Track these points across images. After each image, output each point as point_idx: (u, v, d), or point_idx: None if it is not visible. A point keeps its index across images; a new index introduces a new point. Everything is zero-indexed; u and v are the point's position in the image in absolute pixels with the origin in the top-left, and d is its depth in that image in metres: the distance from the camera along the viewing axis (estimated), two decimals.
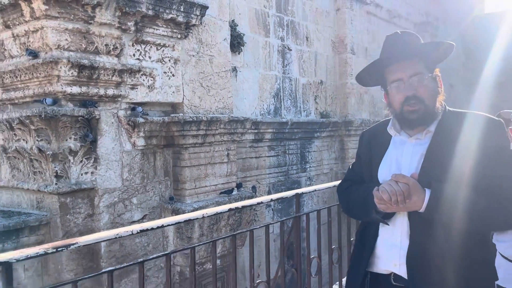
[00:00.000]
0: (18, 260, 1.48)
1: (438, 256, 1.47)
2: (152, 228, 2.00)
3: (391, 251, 1.57)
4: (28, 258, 1.51)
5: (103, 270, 1.85)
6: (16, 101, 4.04)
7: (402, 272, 1.53)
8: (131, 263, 2.02)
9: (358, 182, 1.76)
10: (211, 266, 4.87)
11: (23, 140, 3.94)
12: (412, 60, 1.57)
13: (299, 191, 2.81)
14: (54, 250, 1.63)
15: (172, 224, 2.11)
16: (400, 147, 1.64)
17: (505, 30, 13.50)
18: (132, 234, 1.88)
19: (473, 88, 13.72)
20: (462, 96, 13.58)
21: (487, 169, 1.46)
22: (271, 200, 2.72)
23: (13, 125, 3.92)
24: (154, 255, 2.09)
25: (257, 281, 2.47)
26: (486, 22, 14.59)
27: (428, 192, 1.46)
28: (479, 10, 16.00)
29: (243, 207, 2.56)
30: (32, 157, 3.88)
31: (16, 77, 3.83)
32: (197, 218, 2.25)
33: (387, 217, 1.57)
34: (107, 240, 1.87)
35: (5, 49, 3.93)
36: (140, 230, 1.93)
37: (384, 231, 1.61)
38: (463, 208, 1.44)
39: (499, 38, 13.15)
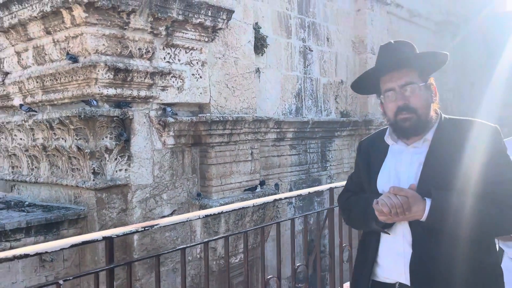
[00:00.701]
0: (118, 236, 1.82)
1: (441, 263, 1.48)
2: (219, 213, 2.27)
3: (395, 261, 1.58)
4: (125, 234, 1.84)
5: (174, 248, 2.07)
6: (55, 102, 4.30)
7: (408, 280, 1.54)
8: (196, 243, 2.21)
9: (357, 192, 1.78)
10: (237, 260, 5.07)
11: (62, 139, 4.20)
12: (405, 70, 1.59)
13: (332, 185, 3.09)
14: (143, 228, 1.95)
15: (234, 210, 2.38)
16: (398, 156, 1.64)
17: None
18: (199, 218, 2.13)
19: (494, 86, 13.59)
20: (482, 93, 13.46)
21: (485, 175, 1.48)
22: (309, 193, 2.95)
23: (53, 125, 4.18)
24: (194, 243, 2.28)
25: (297, 264, 2.68)
26: (507, 20, 14.43)
27: (428, 202, 1.47)
28: (500, 7, 15.82)
29: (285, 198, 2.83)
30: (70, 155, 4.14)
31: (56, 79, 4.09)
32: (249, 206, 2.52)
33: (388, 226, 1.58)
34: (180, 222, 2.17)
35: (45, 54, 4.19)
36: (206, 216, 2.18)
37: (385, 240, 1.61)
38: (463, 215, 1.45)
39: None
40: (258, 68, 5.72)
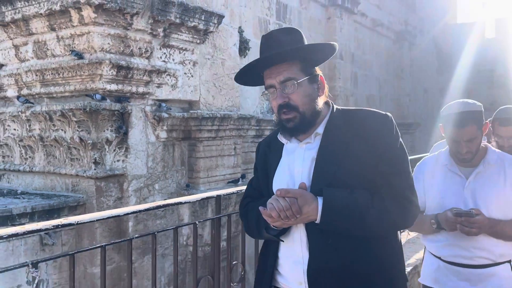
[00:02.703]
0: (224, 195, 2.32)
1: (339, 267, 1.39)
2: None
3: (294, 269, 1.47)
4: (228, 194, 2.33)
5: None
6: (54, 95, 4.51)
7: None
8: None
9: (257, 197, 1.65)
10: (220, 247, 5.47)
11: (62, 130, 4.43)
12: (285, 64, 1.46)
13: None
14: (237, 191, 2.45)
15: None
16: (291, 155, 1.54)
17: (473, 41, 14.61)
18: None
19: (446, 93, 14.76)
20: (435, 100, 14.58)
21: (380, 166, 1.41)
22: None
23: (53, 117, 4.40)
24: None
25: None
26: (458, 31, 15.68)
27: (320, 201, 1.37)
28: (452, 20, 17.12)
29: None
30: (70, 145, 4.38)
31: (59, 74, 4.31)
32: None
33: (281, 233, 1.48)
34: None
35: (47, 49, 4.40)
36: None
37: (284, 247, 1.51)
38: (359, 213, 1.36)
39: (467, 47, 14.21)
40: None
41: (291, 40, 1.48)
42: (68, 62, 4.19)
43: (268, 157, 1.62)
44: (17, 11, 4.34)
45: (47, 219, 4.20)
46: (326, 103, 1.55)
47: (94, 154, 4.24)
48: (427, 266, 2.21)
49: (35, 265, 1.62)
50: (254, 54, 6.45)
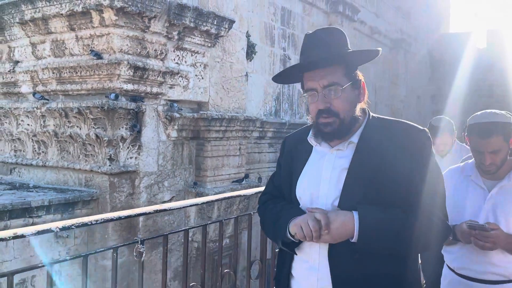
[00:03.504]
0: (261, 191, 2.37)
1: (362, 276, 1.37)
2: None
3: (308, 275, 1.45)
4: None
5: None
6: (70, 93, 4.65)
7: None
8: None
9: (276, 196, 1.62)
10: (222, 244, 5.65)
11: (77, 126, 4.57)
12: (329, 68, 1.40)
13: None
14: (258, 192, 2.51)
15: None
16: (320, 160, 1.48)
17: (466, 50, 14.99)
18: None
19: (437, 100, 15.12)
20: (427, 106, 14.93)
21: (415, 185, 1.36)
22: None
23: (69, 114, 4.54)
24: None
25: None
26: (451, 41, 16.06)
27: (356, 218, 1.33)
28: (445, 29, 17.52)
29: None
30: (85, 142, 4.53)
31: (76, 72, 4.46)
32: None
33: (296, 245, 1.46)
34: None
35: (66, 48, 4.54)
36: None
37: (300, 252, 1.48)
38: (394, 233, 1.33)
39: (460, 57, 14.57)
40: (246, 73, 6.33)
41: (336, 42, 1.43)
42: (86, 61, 4.34)
43: (294, 156, 1.56)
44: (37, 10, 4.47)
45: (62, 212, 4.35)
46: (363, 109, 1.49)
47: (109, 151, 4.40)
48: (443, 277, 2.20)
49: (142, 242, 1.80)
50: (259, 58, 6.66)
